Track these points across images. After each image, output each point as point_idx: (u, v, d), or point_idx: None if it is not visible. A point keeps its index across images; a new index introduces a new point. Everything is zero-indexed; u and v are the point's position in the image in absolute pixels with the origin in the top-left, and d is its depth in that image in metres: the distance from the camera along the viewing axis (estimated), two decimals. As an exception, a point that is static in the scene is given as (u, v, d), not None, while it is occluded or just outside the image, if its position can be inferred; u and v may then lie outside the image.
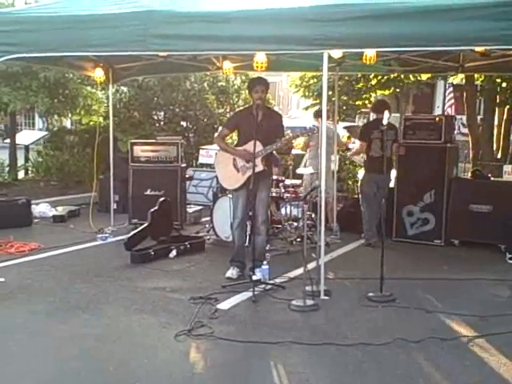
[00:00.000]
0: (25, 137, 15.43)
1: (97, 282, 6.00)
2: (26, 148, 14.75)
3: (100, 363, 4.10)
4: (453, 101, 16.50)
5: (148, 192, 8.74)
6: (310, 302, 5.26)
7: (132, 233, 7.12)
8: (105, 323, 4.85)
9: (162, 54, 6.72)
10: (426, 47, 5.39)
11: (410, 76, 12.36)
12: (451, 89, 15.91)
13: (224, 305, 5.30)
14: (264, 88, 6.00)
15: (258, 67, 6.60)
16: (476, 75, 10.33)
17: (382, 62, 8.12)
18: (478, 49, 6.91)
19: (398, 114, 28.58)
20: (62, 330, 4.69)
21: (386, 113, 5.51)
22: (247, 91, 6.29)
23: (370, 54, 6.83)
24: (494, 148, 11.20)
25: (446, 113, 14.62)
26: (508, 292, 5.87)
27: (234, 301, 5.42)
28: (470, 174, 8.47)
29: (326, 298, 5.51)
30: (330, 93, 9.17)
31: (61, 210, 9.65)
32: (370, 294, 5.54)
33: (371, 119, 8.63)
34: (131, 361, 4.16)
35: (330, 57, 5.44)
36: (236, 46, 5.50)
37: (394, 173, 8.20)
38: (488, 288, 5.98)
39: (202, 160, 11.98)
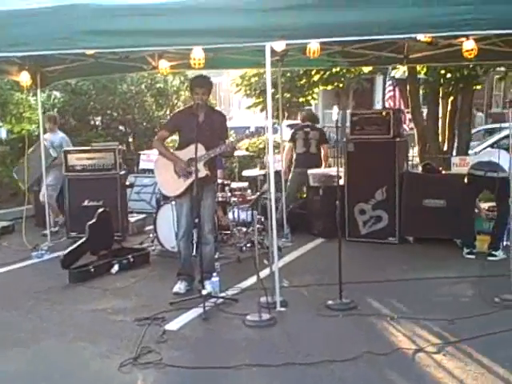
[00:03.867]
0: (-48, 149, 14.45)
1: (30, 307, 5.45)
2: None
3: (33, 406, 3.60)
4: (391, 94, 16.34)
5: (86, 203, 8.16)
6: (266, 315, 4.85)
7: (69, 249, 6.54)
8: (38, 357, 4.34)
9: (89, 52, 6.16)
10: (374, 36, 5.03)
11: (352, 70, 12.20)
12: (390, 82, 15.77)
13: (173, 325, 4.85)
14: (205, 88, 5.56)
15: (195, 64, 6.14)
16: (418, 68, 10.18)
17: (326, 56, 7.79)
18: (424, 38, 6.68)
19: (339, 111, 28.64)
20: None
21: (335, 108, 5.16)
22: (189, 90, 5.85)
23: (313, 47, 6.52)
24: (440, 140, 11.07)
25: (390, 106, 14.39)
26: (471, 290, 5.62)
27: (183, 319, 4.97)
28: (420, 168, 8.24)
29: (283, 309, 5.12)
30: (273, 90, 8.81)
31: (-7, 226, 8.97)
32: (330, 303, 5.18)
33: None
34: (69, 400, 3.68)
35: (272, 50, 5.06)
36: (172, 41, 5.03)
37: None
38: (450, 287, 5.72)
39: (143, 165, 11.42)
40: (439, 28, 4.72)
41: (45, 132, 8.74)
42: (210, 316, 4.96)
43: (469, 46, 6.12)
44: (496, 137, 16.06)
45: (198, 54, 5.95)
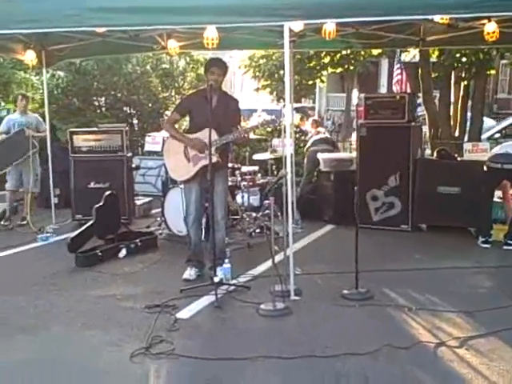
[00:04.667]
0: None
1: (37, 291, 5.29)
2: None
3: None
4: (399, 77, 16.09)
5: (92, 185, 8.05)
6: (280, 305, 4.71)
7: (75, 232, 6.40)
8: (46, 345, 4.19)
9: (100, 30, 5.95)
10: (395, 16, 4.85)
11: (362, 53, 11.98)
12: (398, 65, 15.55)
13: (184, 313, 4.70)
14: (221, 70, 5.38)
15: (208, 44, 5.93)
16: (430, 51, 9.97)
17: (340, 38, 7.57)
18: (441, 20, 6.48)
19: (344, 94, 28.48)
20: (-6, 356, 4.01)
21: (355, 91, 4.99)
22: (203, 72, 5.65)
23: (329, 28, 6.32)
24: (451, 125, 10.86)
25: (397, 90, 14.18)
26: (488, 282, 5.49)
27: (194, 307, 4.82)
28: (435, 154, 8.06)
29: (297, 298, 4.98)
30: (282, 72, 8.63)
31: (-4, 207, 8.81)
32: (345, 292, 5.03)
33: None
34: (80, 391, 3.54)
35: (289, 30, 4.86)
36: (185, 19, 4.82)
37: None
38: (466, 278, 5.57)
39: (148, 147, 11.24)
40: (461, 9, 4.49)
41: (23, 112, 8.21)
42: (222, 304, 4.82)
43: (490, 28, 5.91)
44: (504, 123, 15.95)
45: (211, 34, 5.73)
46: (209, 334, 4.35)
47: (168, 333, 4.29)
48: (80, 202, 7.98)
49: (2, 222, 8.00)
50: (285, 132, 6.34)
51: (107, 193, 6.89)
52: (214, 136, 5.25)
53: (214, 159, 5.29)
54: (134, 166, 9.42)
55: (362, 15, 4.79)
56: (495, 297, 4.99)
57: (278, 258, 5.33)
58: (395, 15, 4.87)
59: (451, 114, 10.75)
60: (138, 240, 6.64)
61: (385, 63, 27.53)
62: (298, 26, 5.34)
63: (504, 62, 18.03)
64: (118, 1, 4.73)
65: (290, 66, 8.20)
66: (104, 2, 4.71)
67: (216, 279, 5.00)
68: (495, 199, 6.93)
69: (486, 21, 5.93)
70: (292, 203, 7.74)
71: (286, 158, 5.11)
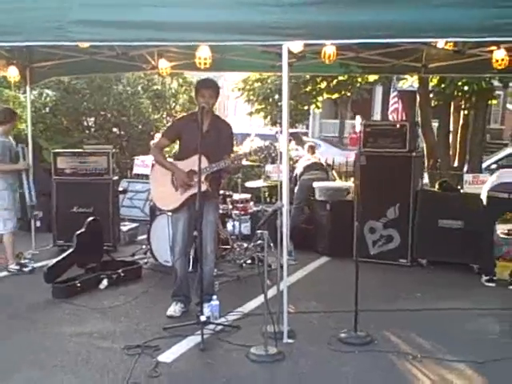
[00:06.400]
0: None
1: (5, 327, 4.86)
2: None
3: None
4: (396, 105, 15.83)
5: (75, 209, 7.62)
6: (272, 349, 4.29)
7: (53, 261, 5.96)
8: (11, 392, 3.76)
9: (84, 45, 5.59)
10: (407, 38, 4.51)
11: (359, 79, 11.71)
12: (395, 93, 15.30)
13: (166, 356, 4.27)
14: (212, 92, 5.02)
15: (200, 64, 5.59)
16: (429, 78, 9.71)
17: (339, 62, 7.26)
18: (446, 46, 6.20)
19: (337, 121, 28.34)
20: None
21: (358, 118, 4.64)
22: (194, 94, 5.27)
23: (329, 50, 6.02)
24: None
25: (393, 119, 13.91)
26: (498, 326, 5.05)
27: (178, 349, 4.40)
28: (436, 186, 7.71)
29: (291, 341, 4.56)
30: (277, 96, 8.31)
31: (-27, 231, 8.35)
32: (343, 336, 4.62)
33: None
34: None
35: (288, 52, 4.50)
36: (174, 36, 4.42)
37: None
38: (474, 320, 5.16)
39: (137, 170, 10.81)
40: (484, 32, 4.12)
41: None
42: (208, 347, 4.40)
43: (499, 55, 5.62)
44: (501, 154, 15.70)
45: (204, 53, 5.39)
46: (192, 382, 3.92)
47: (147, 379, 3.88)
48: (62, 226, 7.57)
49: None
50: (281, 159, 5.97)
51: (89, 219, 6.47)
52: (205, 163, 4.89)
53: (204, 188, 4.91)
54: (121, 189, 9.07)
55: (367, 37, 4.40)
56: (507, 344, 4.59)
57: (271, 293, 4.95)
58: (411, 37, 4.46)
59: (450, 143, 10.46)
60: (120, 270, 6.21)
61: (379, 90, 27.44)
62: (297, 46, 5.00)
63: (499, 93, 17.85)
64: (100, 14, 4.32)
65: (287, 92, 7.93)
66: (86, 15, 4.31)
67: (202, 318, 4.59)
68: (502, 235, 6.57)
69: (494, 47, 5.63)
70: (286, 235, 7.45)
71: (281, 186, 4.72)
